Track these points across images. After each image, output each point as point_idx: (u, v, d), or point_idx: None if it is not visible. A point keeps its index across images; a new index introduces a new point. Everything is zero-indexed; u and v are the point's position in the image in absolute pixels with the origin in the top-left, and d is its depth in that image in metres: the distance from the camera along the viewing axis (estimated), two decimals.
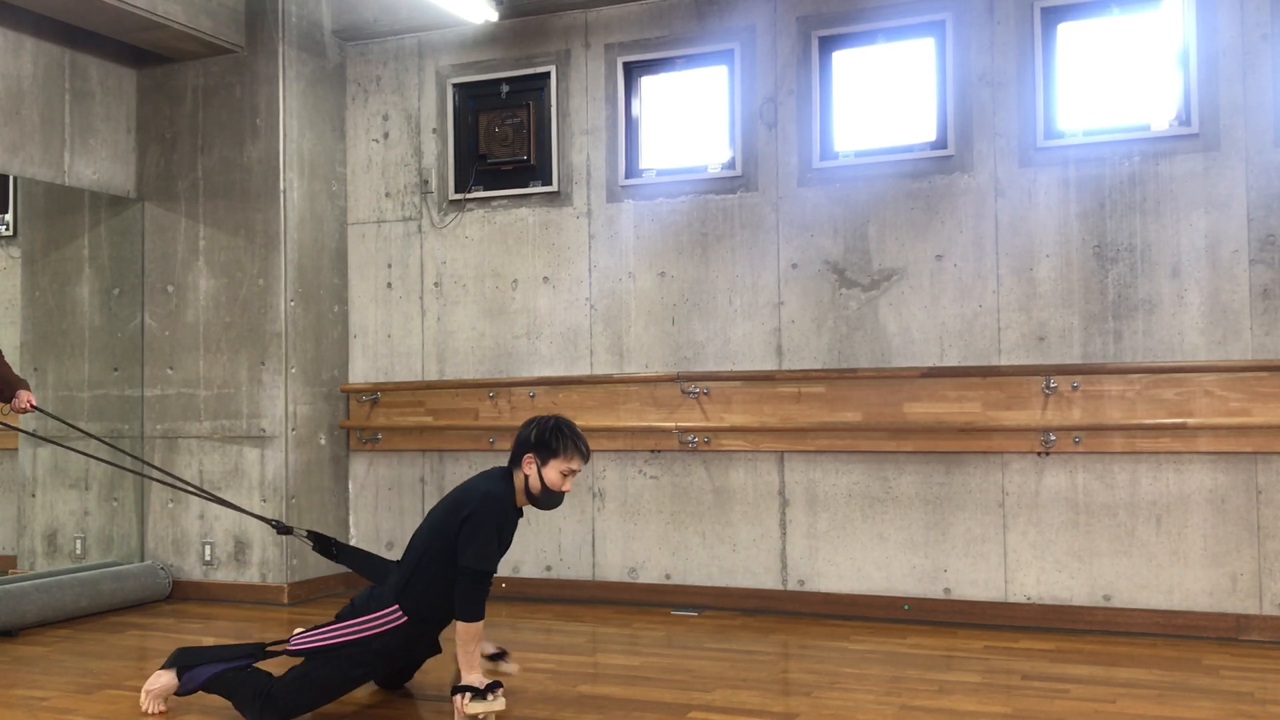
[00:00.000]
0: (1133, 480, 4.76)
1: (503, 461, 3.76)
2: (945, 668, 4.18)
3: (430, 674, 4.23)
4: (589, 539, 5.63)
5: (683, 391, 5.40)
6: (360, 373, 6.12)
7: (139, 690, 3.81)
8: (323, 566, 5.90)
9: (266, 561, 5.70)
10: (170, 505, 5.88)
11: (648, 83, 5.72)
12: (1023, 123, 4.96)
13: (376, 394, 5.99)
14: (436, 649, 3.89)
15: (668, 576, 5.48)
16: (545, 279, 5.76)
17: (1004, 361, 4.95)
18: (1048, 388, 4.81)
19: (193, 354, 5.86)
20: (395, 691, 3.93)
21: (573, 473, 3.62)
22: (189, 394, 5.86)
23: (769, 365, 5.33)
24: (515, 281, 5.82)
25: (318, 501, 5.88)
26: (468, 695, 3.45)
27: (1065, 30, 4.97)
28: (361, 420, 6.02)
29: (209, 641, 4.86)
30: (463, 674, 3.52)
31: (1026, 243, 4.94)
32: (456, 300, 5.93)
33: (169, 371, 5.89)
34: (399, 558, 3.82)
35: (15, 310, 6.28)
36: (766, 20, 5.38)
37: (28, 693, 3.99)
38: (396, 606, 3.56)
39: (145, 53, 5.85)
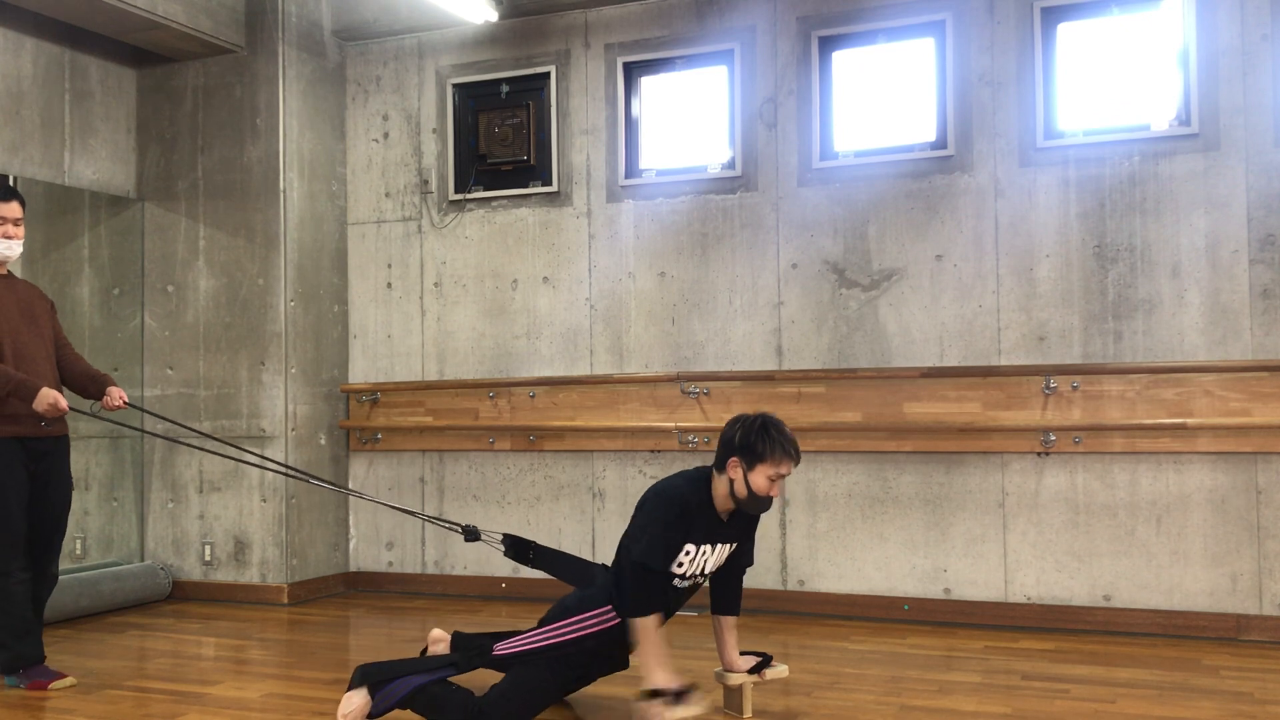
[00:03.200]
0: (1133, 480, 4.76)
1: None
2: (945, 668, 4.18)
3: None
4: (589, 539, 5.63)
5: (683, 391, 5.40)
6: (360, 373, 6.12)
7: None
8: (323, 566, 5.90)
9: (266, 562, 5.70)
10: (170, 505, 5.88)
11: (648, 83, 5.72)
12: (1023, 123, 4.96)
13: (376, 394, 5.99)
14: (625, 664, 3.58)
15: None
16: (545, 279, 5.76)
17: (1004, 361, 4.95)
18: (1048, 388, 4.81)
19: (193, 354, 5.86)
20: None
21: (781, 477, 3.37)
22: (189, 394, 5.86)
23: (769, 365, 5.33)
24: (515, 281, 5.82)
25: (317, 501, 5.88)
26: (664, 701, 3.19)
27: (1065, 30, 4.97)
28: (361, 420, 6.02)
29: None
30: (648, 675, 3.26)
31: (1026, 243, 4.95)
32: (456, 300, 5.93)
33: (169, 371, 5.89)
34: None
35: None
36: (766, 20, 5.38)
37: (28, 693, 3.98)
38: (610, 607, 3.40)
39: (145, 53, 5.85)
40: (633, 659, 3.48)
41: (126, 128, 5.97)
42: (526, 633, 3.45)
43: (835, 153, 5.31)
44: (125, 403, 4.19)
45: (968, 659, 4.31)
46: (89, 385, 4.24)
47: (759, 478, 3.34)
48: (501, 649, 3.42)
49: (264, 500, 5.69)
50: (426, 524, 5.92)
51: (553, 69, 5.78)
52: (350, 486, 6.09)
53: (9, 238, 4.08)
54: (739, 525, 3.52)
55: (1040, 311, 4.92)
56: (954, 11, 5.07)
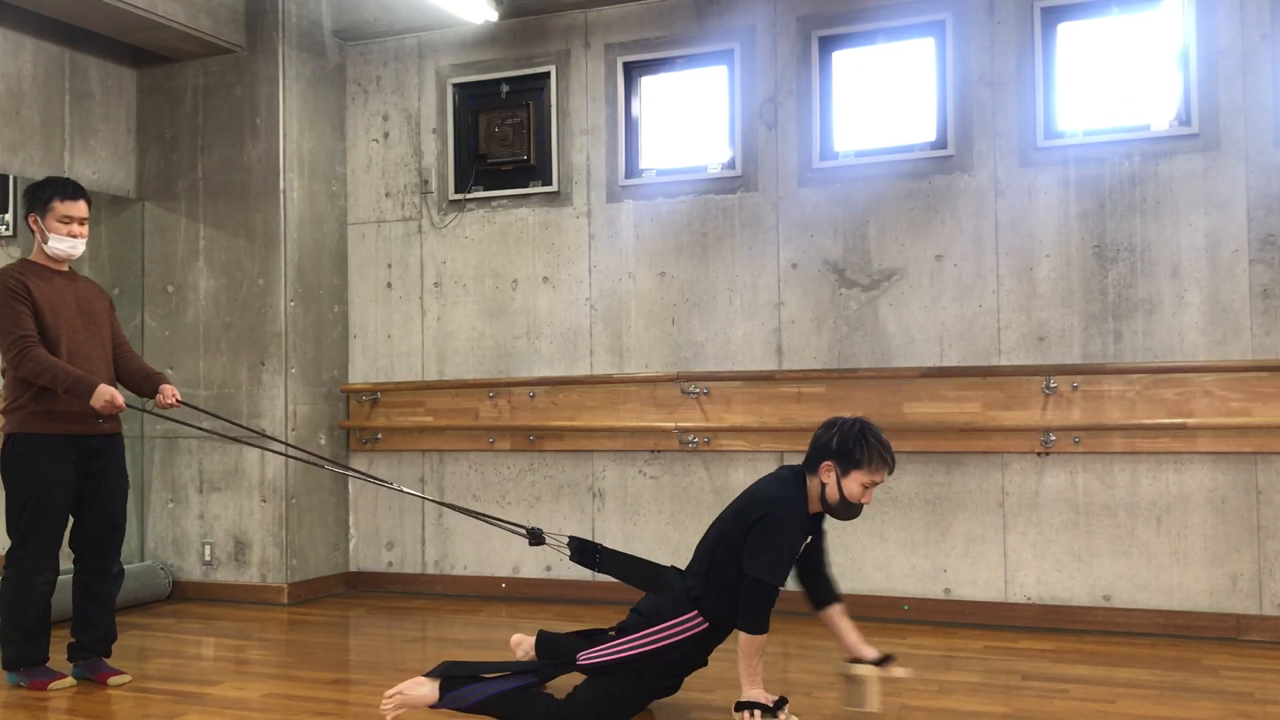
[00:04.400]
0: (1133, 480, 4.75)
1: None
2: (945, 668, 4.18)
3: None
4: (589, 539, 5.61)
5: (683, 391, 5.40)
6: (360, 373, 6.12)
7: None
8: (323, 567, 5.90)
9: (266, 562, 5.70)
10: (170, 505, 5.88)
11: (648, 83, 5.72)
12: (1022, 123, 4.96)
13: (376, 394, 5.99)
14: (704, 663, 3.54)
15: None
16: (545, 279, 5.76)
17: (1004, 361, 4.95)
18: (1048, 388, 4.81)
19: (193, 354, 5.86)
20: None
21: (876, 484, 3.32)
22: (189, 394, 5.84)
23: (769, 365, 5.33)
24: (515, 281, 5.82)
25: (317, 502, 5.88)
26: (756, 713, 3.24)
27: (1065, 30, 4.97)
28: (361, 420, 6.02)
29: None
30: (744, 689, 3.29)
31: (1026, 243, 4.94)
32: (456, 300, 5.93)
33: (169, 371, 5.88)
34: (645, 559, 3.64)
35: None
36: (766, 20, 5.38)
37: (28, 693, 3.98)
38: (696, 613, 3.34)
39: (145, 53, 5.85)
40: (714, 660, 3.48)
41: (126, 128, 5.97)
42: (610, 642, 3.39)
43: (835, 153, 5.31)
44: (179, 401, 4.17)
45: (968, 659, 4.31)
46: (143, 383, 4.20)
47: (853, 484, 3.29)
48: (585, 659, 3.34)
49: (264, 500, 5.69)
50: (426, 524, 5.93)
51: (553, 69, 5.78)
52: (350, 487, 6.09)
53: (74, 236, 4.06)
54: (815, 524, 3.49)
55: (1040, 311, 4.91)
56: (954, 11, 5.07)
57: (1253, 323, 4.62)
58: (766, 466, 5.30)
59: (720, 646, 3.48)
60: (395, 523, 6.01)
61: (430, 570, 5.94)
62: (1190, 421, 4.59)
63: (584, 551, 3.73)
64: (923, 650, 4.45)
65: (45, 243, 4.04)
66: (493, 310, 5.86)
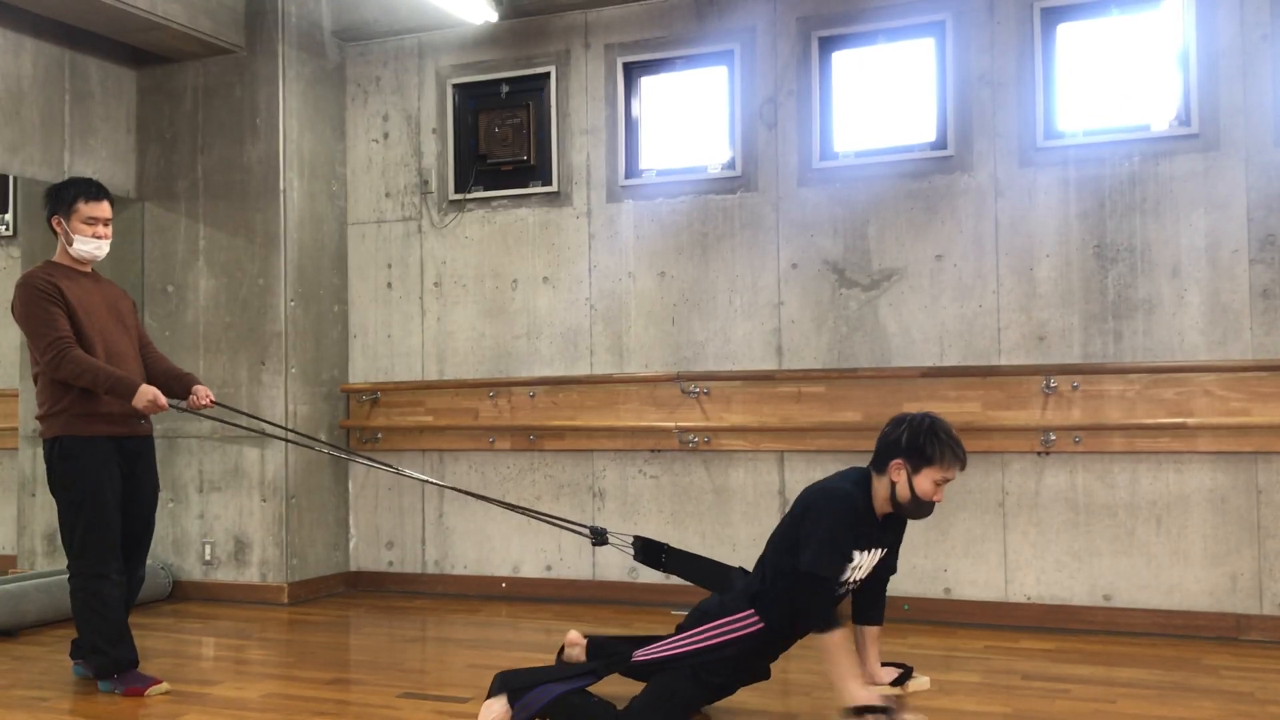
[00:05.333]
0: (1133, 480, 4.76)
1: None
2: (945, 668, 4.18)
3: (430, 674, 4.23)
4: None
5: (683, 391, 5.40)
6: (360, 373, 6.12)
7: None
8: (323, 566, 5.90)
9: (266, 561, 5.70)
10: (170, 505, 5.88)
11: (648, 83, 5.72)
12: (1022, 123, 4.96)
13: (376, 394, 5.99)
14: (766, 675, 3.46)
15: (667, 576, 5.46)
16: (545, 279, 5.76)
17: (1004, 361, 4.95)
18: (1047, 388, 4.81)
19: (193, 354, 5.85)
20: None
21: (947, 481, 3.24)
22: None
23: (769, 365, 5.33)
24: (515, 281, 5.82)
25: (318, 501, 5.88)
26: (872, 718, 3.04)
27: (1065, 30, 4.97)
28: (361, 420, 6.02)
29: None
30: (841, 691, 3.12)
31: (1026, 243, 4.95)
32: (456, 300, 5.93)
33: None
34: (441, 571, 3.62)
35: None
36: (766, 20, 5.38)
37: (28, 693, 3.99)
38: (752, 611, 3.27)
39: (145, 53, 5.85)
40: (776, 669, 3.43)
41: (126, 128, 5.97)
42: (666, 639, 3.34)
43: (835, 153, 5.31)
44: (212, 401, 4.16)
45: (968, 659, 4.31)
46: (173, 384, 4.15)
47: (924, 481, 3.21)
48: (641, 656, 3.30)
49: (264, 500, 5.69)
50: (426, 524, 5.93)
51: (553, 69, 5.78)
52: (350, 487, 6.10)
53: (99, 238, 4.03)
54: (892, 530, 3.41)
55: (1040, 311, 4.92)
56: (954, 11, 5.07)
57: (1253, 323, 4.62)
58: (766, 466, 5.30)
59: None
60: (395, 523, 6.01)
61: (430, 570, 5.94)
62: (1190, 421, 4.59)
63: (649, 551, 3.65)
64: (923, 650, 4.45)
65: (70, 244, 4.00)
66: (493, 310, 5.86)
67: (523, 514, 4.17)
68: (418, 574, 5.96)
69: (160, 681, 3.97)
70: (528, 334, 5.78)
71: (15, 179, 5.45)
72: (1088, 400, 4.77)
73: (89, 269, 4.11)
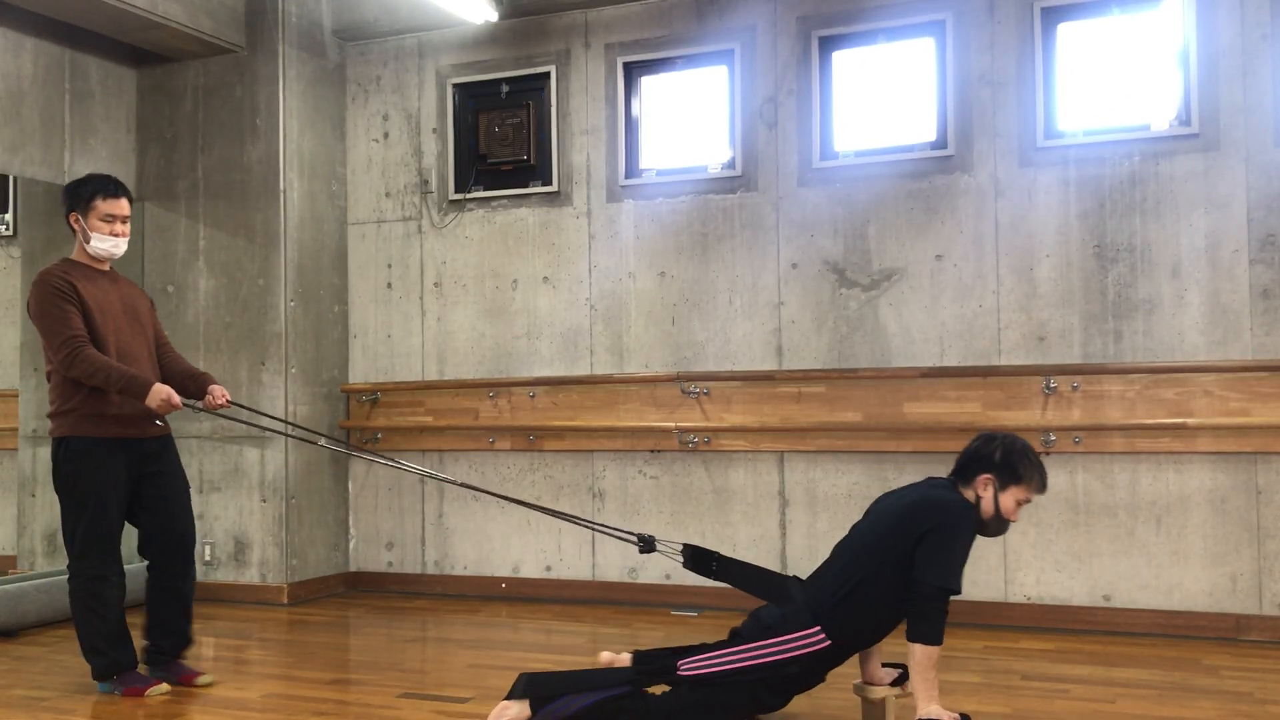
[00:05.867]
0: (1133, 480, 4.75)
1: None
2: (945, 668, 4.16)
3: (430, 674, 4.23)
4: (589, 539, 5.63)
5: (683, 391, 5.40)
6: (360, 373, 6.12)
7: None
8: (323, 567, 5.90)
9: (266, 562, 5.70)
10: None
11: (648, 83, 5.72)
12: (1023, 123, 4.96)
13: (376, 394, 5.99)
14: (822, 680, 3.37)
15: (668, 576, 5.47)
16: (545, 279, 5.76)
17: (1004, 361, 4.95)
18: (1048, 388, 4.81)
19: (193, 354, 5.84)
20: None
21: (1028, 502, 3.25)
22: None
23: (769, 365, 5.33)
24: (515, 281, 5.82)
25: (318, 502, 5.88)
26: None
27: (1065, 30, 4.97)
28: (361, 420, 6.02)
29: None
30: (920, 705, 3.09)
31: (1026, 243, 4.94)
32: (456, 300, 5.93)
33: None
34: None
35: (15, 310, 6.26)
36: (766, 20, 5.38)
37: (28, 693, 3.98)
38: (819, 629, 3.18)
39: (145, 53, 5.85)
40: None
41: (126, 128, 5.97)
42: (718, 650, 3.22)
43: (835, 153, 5.31)
44: (229, 401, 4.10)
45: (968, 659, 4.31)
46: (189, 384, 4.07)
47: (1009, 500, 3.22)
48: (689, 668, 3.17)
49: (264, 500, 5.69)
50: (426, 524, 5.93)
51: (553, 69, 5.78)
52: (350, 487, 6.09)
53: (117, 235, 3.99)
54: None
55: (1040, 311, 4.91)
56: (954, 11, 5.07)
57: (1253, 323, 4.62)
58: (766, 467, 5.30)
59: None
60: (395, 523, 6.01)
61: (430, 570, 5.94)
62: (1190, 421, 4.59)
63: (699, 560, 3.56)
64: None
65: (87, 242, 3.96)
66: (493, 310, 5.85)
67: (564, 519, 4.08)
68: (418, 574, 5.96)
69: (160, 683, 3.96)
70: (528, 334, 5.78)
71: (15, 179, 5.45)
72: (1088, 400, 4.77)
73: (107, 267, 4.06)
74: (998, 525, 3.26)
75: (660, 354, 5.52)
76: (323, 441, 4.56)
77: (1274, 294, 4.60)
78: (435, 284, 5.98)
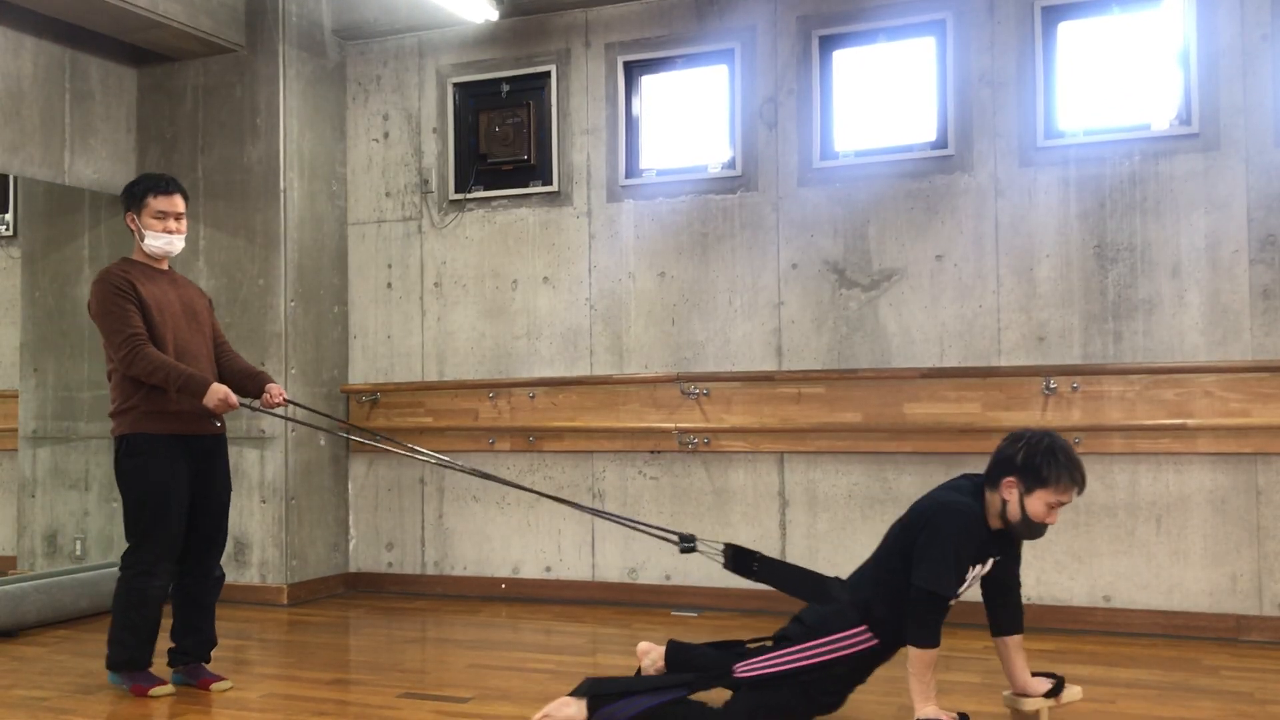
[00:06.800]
0: (1132, 481, 4.75)
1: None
2: (945, 668, 4.17)
3: (430, 674, 4.23)
4: (589, 539, 5.63)
5: (682, 392, 5.40)
6: (360, 373, 6.12)
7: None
8: (322, 567, 5.90)
9: (266, 562, 5.69)
10: None
11: (648, 82, 5.72)
12: (1023, 122, 4.96)
13: (376, 394, 5.99)
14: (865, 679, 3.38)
15: (667, 577, 5.47)
16: (545, 279, 5.76)
17: (1004, 362, 4.94)
18: (1047, 388, 4.81)
19: None
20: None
21: (1062, 504, 3.12)
22: None
23: (769, 366, 5.32)
24: (515, 282, 5.82)
25: (317, 502, 5.88)
26: None
27: (1065, 30, 4.97)
28: (361, 421, 6.02)
29: None
30: (917, 706, 3.08)
31: (1026, 243, 4.94)
32: (456, 300, 5.93)
33: None
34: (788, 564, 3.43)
35: (15, 310, 6.27)
36: (767, 20, 5.38)
37: (28, 693, 3.98)
38: (865, 627, 3.17)
39: (145, 52, 5.85)
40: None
41: (126, 127, 5.96)
42: (770, 654, 3.21)
43: (835, 153, 5.31)
44: (286, 400, 4.11)
45: (968, 659, 4.31)
46: (247, 383, 4.09)
47: (1037, 503, 3.09)
48: (744, 671, 3.17)
49: (264, 501, 5.69)
50: (426, 525, 5.93)
51: (553, 68, 5.78)
52: (349, 488, 6.09)
53: (171, 233, 4.00)
54: (1000, 542, 3.29)
55: (1040, 312, 4.91)
56: (954, 11, 5.07)
57: (1253, 323, 4.61)
58: (766, 467, 5.30)
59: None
60: (395, 523, 6.01)
61: (430, 571, 5.94)
62: (1190, 422, 4.59)
63: (740, 560, 3.50)
64: None
65: (142, 241, 3.99)
66: (493, 310, 5.85)
67: (608, 519, 4.05)
68: (417, 575, 5.95)
69: (165, 683, 3.97)
70: (528, 334, 5.78)
71: (15, 179, 5.44)
72: (1088, 401, 4.77)
73: (165, 266, 4.07)
74: (1028, 529, 3.15)
75: (660, 354, 5.52)
76: (381, 441, 4.49)
77: (1274, 294, 4.60)
78: (435, 284, 5.98)
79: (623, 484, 5.55)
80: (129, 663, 3.95)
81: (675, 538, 3.56)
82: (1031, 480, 3.09)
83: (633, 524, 3.93)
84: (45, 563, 5.97)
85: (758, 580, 3.53)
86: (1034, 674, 3.36)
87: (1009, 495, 3.13)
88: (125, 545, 4.00)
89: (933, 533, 3.12)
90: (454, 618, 5.35)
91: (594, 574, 5.63)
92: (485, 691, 3.90)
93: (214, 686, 4.00)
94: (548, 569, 5.71)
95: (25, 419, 6.04)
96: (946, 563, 3.08)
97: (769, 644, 3.34)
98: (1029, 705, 3.30)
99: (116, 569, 4.03)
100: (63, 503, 6.04)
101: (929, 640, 3.10)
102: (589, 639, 4.85)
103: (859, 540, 5.12)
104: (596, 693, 3.16)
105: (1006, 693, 3.40)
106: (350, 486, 6.10)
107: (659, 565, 5.49)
